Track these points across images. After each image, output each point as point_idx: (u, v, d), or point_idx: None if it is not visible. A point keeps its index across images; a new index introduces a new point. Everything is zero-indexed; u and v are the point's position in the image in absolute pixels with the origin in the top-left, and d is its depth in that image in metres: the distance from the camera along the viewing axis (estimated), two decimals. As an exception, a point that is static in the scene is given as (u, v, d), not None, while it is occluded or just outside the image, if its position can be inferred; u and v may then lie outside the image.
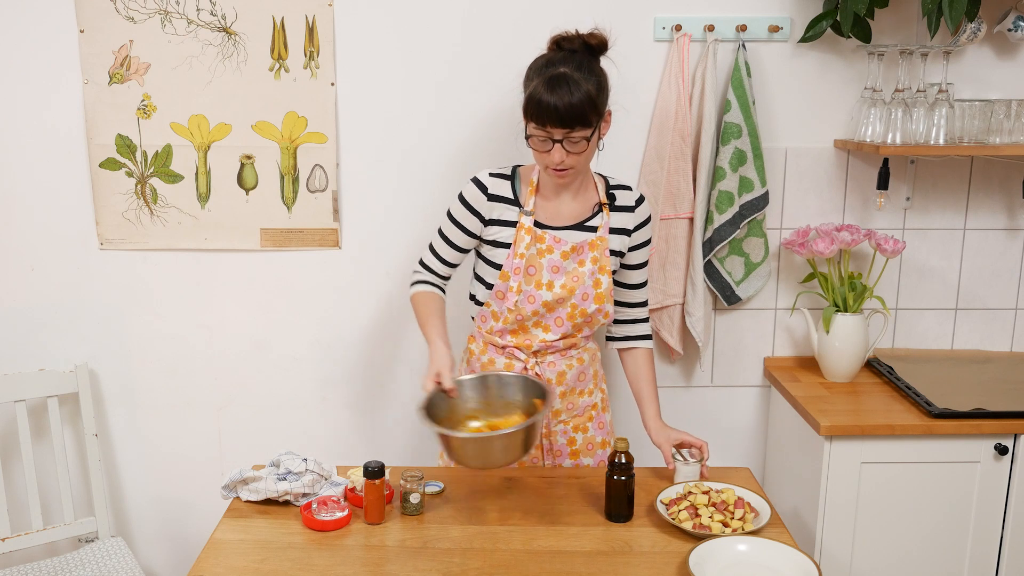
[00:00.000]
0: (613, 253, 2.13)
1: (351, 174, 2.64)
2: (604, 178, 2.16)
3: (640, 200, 2.16)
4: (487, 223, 2.11)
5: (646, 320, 2.28)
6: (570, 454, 2.25)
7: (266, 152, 2.61)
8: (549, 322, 2.12)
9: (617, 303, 2.24)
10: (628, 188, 2.16)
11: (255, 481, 2.06)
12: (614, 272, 2.17)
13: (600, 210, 2.12)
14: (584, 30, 2.02)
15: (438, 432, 1.86)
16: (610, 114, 2.04)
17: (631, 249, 2.17)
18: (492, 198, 2.10)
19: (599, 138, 2.02)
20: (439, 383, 1.97)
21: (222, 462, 2.83)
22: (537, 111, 1.93)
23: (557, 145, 1.95)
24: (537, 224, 2.09)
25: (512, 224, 2.09)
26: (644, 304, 2.27)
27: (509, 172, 2.13)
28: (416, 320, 2.17)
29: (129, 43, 2.53)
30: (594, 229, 2.11)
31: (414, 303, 2.18)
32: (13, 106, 2.57)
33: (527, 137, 1.99)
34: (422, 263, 2.22)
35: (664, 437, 2.17)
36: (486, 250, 2.14)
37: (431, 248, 2.20)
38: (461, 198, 2.12)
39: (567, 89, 1.90)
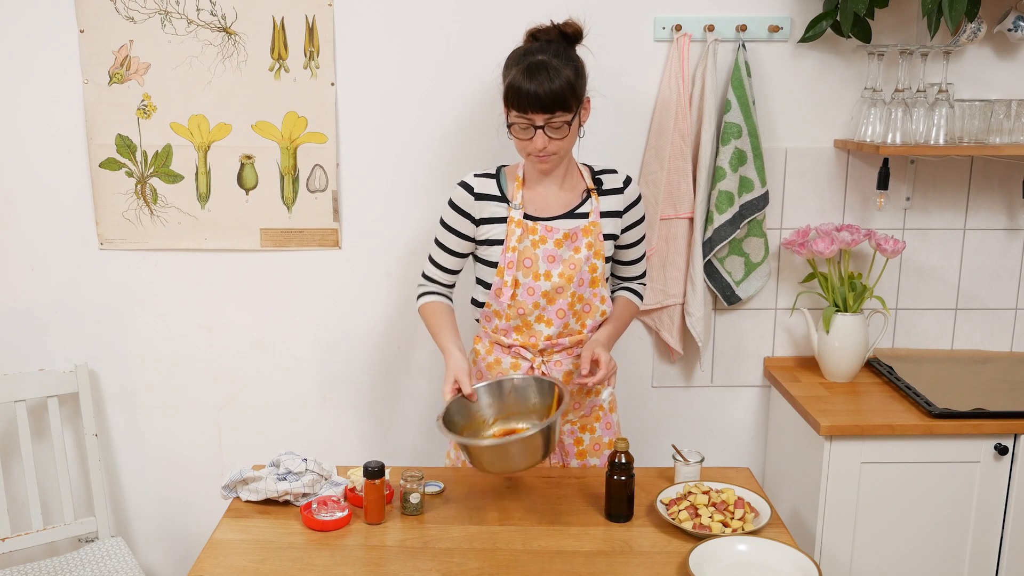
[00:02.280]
0: (607, 237, 2.15)
1: (351, 174, 2.64)
2: (589, 166, 2.19)
3: (628, 181, 2.18)
4: (478, 223, 2.13)
5: (641, 284, 2.32)
6: (577, 454, 2.25)
7: (266, 152, 2.61)
8: (550, 315, 2.13)
9: (616, 277, 2.30)
10: (614, 172, 2.19)
11: (255, 481, 2.06)
12: (611, 256, 2.18)
13: (588, 196, 2.14)
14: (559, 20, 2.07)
15: (458, 442, 1.89)
16: (589, 101, 2.09)
17: (625, 230, 2.19)
18: (479, 197, 2.13)
19: (579, 124, 2.06)
20: (458, 389, 2.00)
21: (222, 462, 2.83)
22: (518, 98, 1.96)
23: (539, 131, 1.99)
24: (527, 216, 2.11)
25: (502, 220, 2.11)
26: (641, 276, 2.32)
27: (494, 171, 2.17)
28: (428, 331, 2.19)
29: (129, 43, 2.53)
30: (585, 215, 2.13)
31: (423, 315, 2.21)
32: (13, 106, 2.58)
33: (509, 126, 2.03)
34: (424, 275, 2.25)
35: (588, 347, 2.09)
36: (481, 251, 2.15)
37: (430, 259, 2.22)
38: (451, 203, 2.15)
39: (546, 75, 1.94)
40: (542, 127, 1.98)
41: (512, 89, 1.97)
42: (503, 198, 2.13)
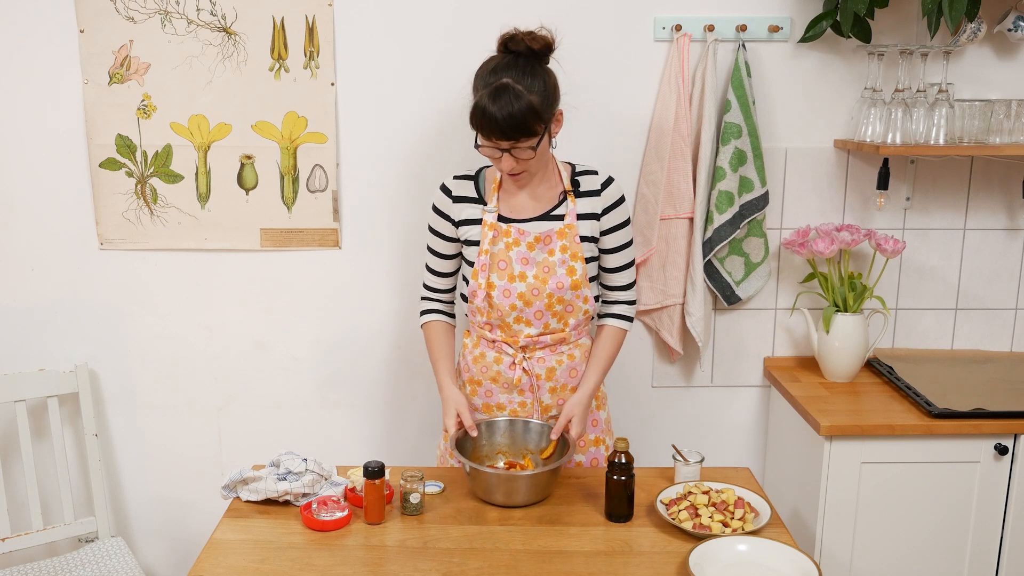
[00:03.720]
0: (586, 239, 2.13)
1: (351, 174, 2.64)
2: (571, 165, 2.18)
3: (607, 183, 2.15)
4: (457, 224, 2.17)
5: (628, 302, 2.25)
6: (575, 451, 2.25)
7: (266, 152, 2.61)
8: (529, 316, 2.14)
9: (603, 286, 2.26)
10: (594, 172, 2.17)
11: (255, 481, 2.06)
12: (594, 258, 2.17)
13: (565, 198, 2.13)
14: (533, 27, 2.04)
15: (471, 467, 2.00)
16: (561, 114, 2.07)
17: (603, 233, 2.16)
18: (457, 199, 2.16)
19: (550, 139, 2.05)
20: (460, 424, 2.10)
21: (222, 462, 2.83)
22: (481, 124, 1.96)
23: (506, 154, 1.99)
24: (502, 219, 2.12)
25: (480, 222, 2.14)
26: (627, 287, 2.24)
27: (473, 173, 2.19)
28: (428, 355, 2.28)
29: (129, 43, 2.53)
30: (560, 217, 2.13)
31: (424, 336, 2.29)
32: (13, 106, 2.57)
33: (477, 147, 2.02)
34: (424, 285, 2.30)
35: (567, 409, 2.13)
36: (465, 251, 2.19)
37: (426, 266, 2.27)
38: (433, 206, 2.20)
39: (508, 101, 1.91)
40: (508, 150, 1.98)
41: (476, 113, 1.95)
42: (480, 200, 2.15)
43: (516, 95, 1.92)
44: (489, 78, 1.96)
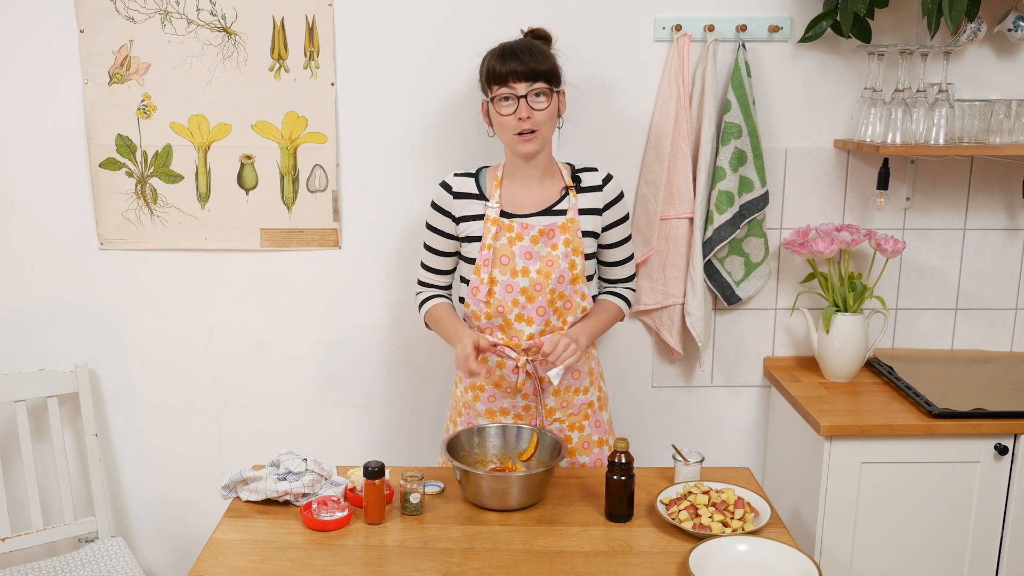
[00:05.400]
0: (587, 234, 2.16)
1: (351, 174, 2.64)
2: (570, 165, 2.22)
3: (607, 179, 2.20)
4: (458, 220, 2.18)
5: (629, 288, 2.31)
6: (566, 452, 2.25)
7: (266, 152, 2.61)
8: (531, 313, 2.14)
9: (604, 280, 2.30)
10: (594, 170, 2.21)
11: (255, 481, 2.06)
12: (593, 254, 2.19)
13: (567, 193, 2.15)
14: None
15: (460, 468, 1.99)
16: (564, 94, 2.14)
17: (605, 229, 2.20)
18: (458, 195, 2.18)
19: (558, 114, 2.12)
20: (476, 348, 2.06)
21: (222, 462, 2.83)
22: (500, 71, 2.03)
23: (522, 101, 2.03)
24: (504, 214, 2.14)
25: (481, 218, 2.15)
26: (628, 279, 2.31)
27: (474, 171, 2.21)
28: (437, 333, 2.26)
29: (129, 43, 2.53)
30: (563, 212, 2.15)
31: (428, 322, 2.27)
32: (13, 106, 2.57)
33: (491, 100, 2.07)
34: (419, 282, 2.31)
35: (553, 335, 2.09)
36: (464, 248, 2.20)
37: (422, 264, 2.28)
38: (432, 203, 2.21)
39: (526, 50, 2.04)
40: (524, 96, 2.02)
41: (492, 65, 2.04)
42: (482, 196, 2.16)
43: (534, 46, 2.06)
44: (500, 46, 2.08)
